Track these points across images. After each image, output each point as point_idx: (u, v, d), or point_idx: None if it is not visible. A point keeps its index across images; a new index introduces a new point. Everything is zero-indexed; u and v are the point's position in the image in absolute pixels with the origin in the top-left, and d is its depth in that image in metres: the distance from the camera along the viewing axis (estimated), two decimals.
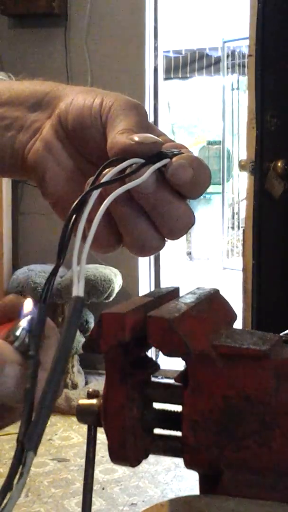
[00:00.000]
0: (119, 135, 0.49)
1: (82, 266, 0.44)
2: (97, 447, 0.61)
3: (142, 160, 0.48)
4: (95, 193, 0.46)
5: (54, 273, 0.45)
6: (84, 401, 0.60)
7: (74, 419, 0.61)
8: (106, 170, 0.48)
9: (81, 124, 0.52)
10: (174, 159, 0.48)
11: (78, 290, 0.43)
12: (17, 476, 0.40)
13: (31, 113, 0.54)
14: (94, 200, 0.46)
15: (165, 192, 0.49)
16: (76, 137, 0.53)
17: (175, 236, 0.51)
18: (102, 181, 0.47)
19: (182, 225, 0.50)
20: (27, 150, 0.54)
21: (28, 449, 0.40)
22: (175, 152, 0.49)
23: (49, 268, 3.61)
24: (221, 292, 0.62)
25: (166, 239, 0.52)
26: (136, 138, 0.48)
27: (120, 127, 0.50)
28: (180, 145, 0.50)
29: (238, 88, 7.93)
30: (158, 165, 0.48)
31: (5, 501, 0.39)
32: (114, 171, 0.47)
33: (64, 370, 0.42)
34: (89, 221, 0.45)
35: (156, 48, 3.79)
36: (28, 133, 0.54)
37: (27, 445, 0.40)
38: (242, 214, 6.67)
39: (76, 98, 0.53)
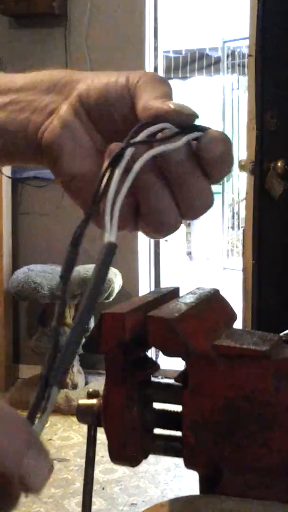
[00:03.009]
0: (153, 100, 0.49)
1: (115, 214, 0.44)
2: (97, 447, 0.61)
3: (174, 127, 0.48)
4: (130, 150, 0.46)
5: (86, 220, 0.46)
6: (84, 401, 0.60)
7: (74, 419, 0.61)
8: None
9: (106, 100, 0.52)
10: (208, 131, 0.49)
11: (110, 236, 0.43)
12: (40, 412, 0.40)
13: (45, 96, 0.55)
14: (128, 157, 0.46)
15: (193, 165, 0.49)
16: (101, 115, 0.53)
17: (194, 214, 0.51)
18: (136, 140, 0.47)
19: (203, 203, 0.50)
20: (42, 130, 0.54)
21: (52, 384, 0.40)
22: (206, 127, 0.49)
23: (49, 268, 3.62)
24: (221, 292, 0.62)
25: (183, 218, 0.51)
26: (171, 105, 0.49)
27: (152, 94, 0.50)
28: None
29: (238, 88, 7.93)
30: (193, 135, 0.48)
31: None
32: (148, 132, 0.47)
33: (93, 310, 0.42)
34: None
35: (156, 48, 3.79)
36: (42, 114, 0.54)
37: (52, 380, 0.40)
38: (242, 214, 6.67)
39: (97, 78, 0.53)
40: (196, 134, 0.48)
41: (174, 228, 0.51)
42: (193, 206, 0.50)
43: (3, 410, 0.37)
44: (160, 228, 0.51)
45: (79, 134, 0.53)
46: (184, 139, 0.47)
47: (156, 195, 0.49)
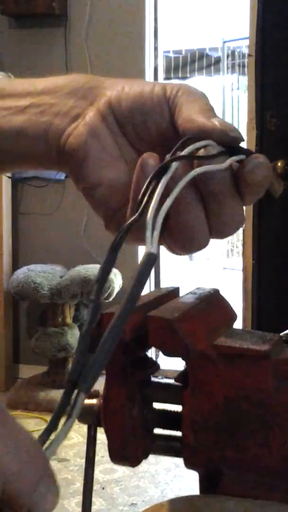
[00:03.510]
0: (197, 113, 0.49)
1: (157, 228, 0.43)
2: (97, 447, 0.61)
3: (217, 145, 0.48)
4: (175, 164, 0.46)
5: (128, 228, 0.44)
6: (84, 401, 0.60)
7: None
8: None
9: (141, 109, 0.51)
10: (253, 156, 0.49)
11: (152, 248, 0.42)
12: (65, 417, 0.39)
13: (67, 100, 0.53)
14: (173, 171, 0.46)
15: (232, 186, 0.49)
16: (134, 123, 0.52)
17: (224, 234, 0.50)
18: (182, 154, 0.47)
19: (235, 223, 0.50)
20: (66, 135, 0.53)
21: (80, 390, 0.39)
22: (249, 150, 0.49)
23: (49, 268, 3.62)
24: (221, 292, 0.62)
25: (212, 236, 0.51)
26: (217, 122, 0.48)
27: (196, 107, 0.50)
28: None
29: (238, 88, 7.94)
30: (237, 157, 0.48)
31: (48, 442, 0.38)
32: (192, 147, 0.47)
33: (128, 318, 0.41)
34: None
35: (156, 48, 3.79)
36: (66, 118, 0.53)
37: (81, 385, 0.39)
38: None
39: (128, 86, 0.52)
40: (240, 156, 0.48)
41: (202, 246, 0.50)
42: (225, 225, 0.50)
43: (20, 435, 0.36)
44: (188, 245, 0.50)
45: (106, 142, 0.52)
46: (229, 160, 0.47)
47: (189, 210, 0.49)
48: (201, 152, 0.47)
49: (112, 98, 0.52)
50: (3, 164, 0.56)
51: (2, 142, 0.54)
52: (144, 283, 0.41)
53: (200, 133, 0.48)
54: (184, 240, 0.50)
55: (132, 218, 0.44)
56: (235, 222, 0.50)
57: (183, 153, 0.47)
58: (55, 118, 0.53)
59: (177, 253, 0.52)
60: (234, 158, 0.48)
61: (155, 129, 0.52)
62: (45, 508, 0.36)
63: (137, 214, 0.44)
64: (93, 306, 0.43)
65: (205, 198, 0.49)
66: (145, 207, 0.44)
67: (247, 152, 0.49)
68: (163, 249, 0.53)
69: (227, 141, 0.48)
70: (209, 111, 0.50)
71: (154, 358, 1.00)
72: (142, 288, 0.41)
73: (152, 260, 0.42)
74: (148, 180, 0.46)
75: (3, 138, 0.54)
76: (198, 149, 0.48)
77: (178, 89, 0.51)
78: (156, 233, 0.43)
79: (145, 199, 0.45)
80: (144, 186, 0.45)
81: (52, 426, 0.39)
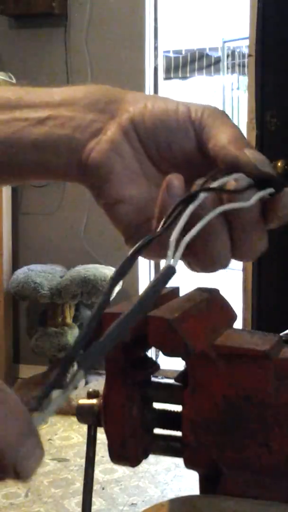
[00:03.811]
0: (229, 142, 0.49)
1: (180, 250, 0.44)
2: (97, 447, 0.61)
3: (246, 177, 0.48)
4: (203, 195, 0.46)
5: (149, 241, 0.45)
6: (84, 401, 0.60)
7: (74, 419, 0.61)
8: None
9: (165, 128, 0.51)
10: (286, 191, 0.49)
11: (172, 261, 0.43)
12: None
13: (86, 113, 0.53)
14: (201, 200, 0.46)
15: (260, 215, 0.49)
16: (157, 142, 0.52)
17: (245, 258, 0.52)
18: (212, 186, 0.47)
19: (258, 250, 0.51)
20: (88, 150, 0.52)
21: (80, 367, 0.38)
22: (280, 182, 0.50)
23: (49, 268, 3.62)
24: (221, 292, 0.62)
25: (233, 258, 0.52)
26: (250, 156, 0.49)
27: (227, 135, 0.50)
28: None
29: (238, 88, 7.94)
30: (266, 191, 0.49)
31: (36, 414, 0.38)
32: (223, 181, 0.48)
33: (137, 318, 0.41)
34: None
35: (156, 48, 3.79)
36: (87, 132, 0.53)
37: (83, 362, 0.38)
38: None
39: (151, 103, 0.52)
40: (269, 190, 0.49)
41: (223, 267, 0.51)
42: (248, 252, 0.51)
43: (6, 396, 0.37)
44: (209, 267, 0.51)
45: (128, 158, 0.52)
46: (257, 197, 0.48)
47: (216, 236, 0.49)
48: (231, 184, 0.48)
49: (135, 115, 0.52)
50: (21, 175, 0.56)
51: (22, 153, 0.54)
52: (159, 290, 0.42)
53: (233, 164, 0.48)
54: (206, 261, 0.50)
55: (156, 234, 0.45)
56: (260, 249, 0.51)
57: (213, 184, 0.47)
58: (75, 131, 0.53)
59: (196, 271, 0.52)
60: (263, 193, 0.49)
61: (178, 149, 0.52)
62: (30, 466, 0.37)
63: (160, 229, 0.45)
64: (104, 298, 0.43)
65: (233, 226, 0.50)
66: (169, 227, 0.45)
67: (276, 184, 0.49)
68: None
69: (259, 176, 0.49)
70: (241, 139, 0.50)
71: (154, 358, 1.00)
72: (157, 294, 0.42)
73: (170, 272, 0.43)
74: (176, 204, 0.46)
75: (22, 150, 0.54)
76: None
77: (203, 110, 0.51)
78: (178, 254, 0.44)
79: (170, 220, 0.45)
80: (171, 209, 0.46)
81: (43, 395, 0.39)
